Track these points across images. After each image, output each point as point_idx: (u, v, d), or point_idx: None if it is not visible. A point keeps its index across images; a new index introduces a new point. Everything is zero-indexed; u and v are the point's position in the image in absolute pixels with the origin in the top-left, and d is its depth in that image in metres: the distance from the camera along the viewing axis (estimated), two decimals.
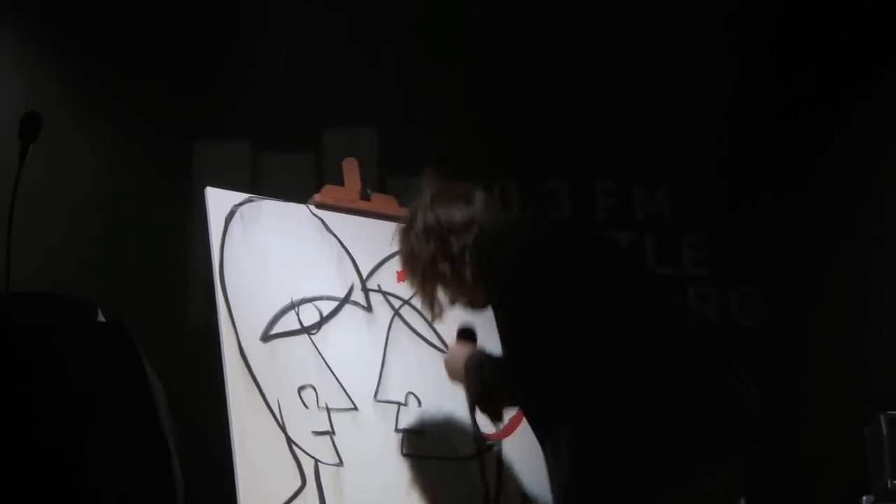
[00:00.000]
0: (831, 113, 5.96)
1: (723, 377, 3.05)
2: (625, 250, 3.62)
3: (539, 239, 3.28)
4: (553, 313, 3.04)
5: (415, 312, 4.10)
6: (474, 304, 3.52)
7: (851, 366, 5.53)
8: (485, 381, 3.33)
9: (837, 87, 5.97)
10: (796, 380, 5.56)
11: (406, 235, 3.55)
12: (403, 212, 3.70)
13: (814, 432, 5.34)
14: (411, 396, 3.95)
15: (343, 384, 3.84)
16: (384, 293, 4.10)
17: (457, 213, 3.45)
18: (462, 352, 3.53)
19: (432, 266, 3.45)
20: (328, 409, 3.78)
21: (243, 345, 3.72)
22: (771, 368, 5.48)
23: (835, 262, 5.79)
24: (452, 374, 3.57)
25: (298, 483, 3.61)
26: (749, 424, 3.01)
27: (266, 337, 3.80)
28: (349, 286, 4.07)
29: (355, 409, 3.83)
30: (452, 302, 3.57)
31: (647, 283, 3.27)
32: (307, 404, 3.75)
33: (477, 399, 3.40)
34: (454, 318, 3.70)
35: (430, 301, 3.56)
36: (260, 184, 5.48)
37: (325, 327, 3.93)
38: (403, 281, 3.87)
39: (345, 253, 4.12)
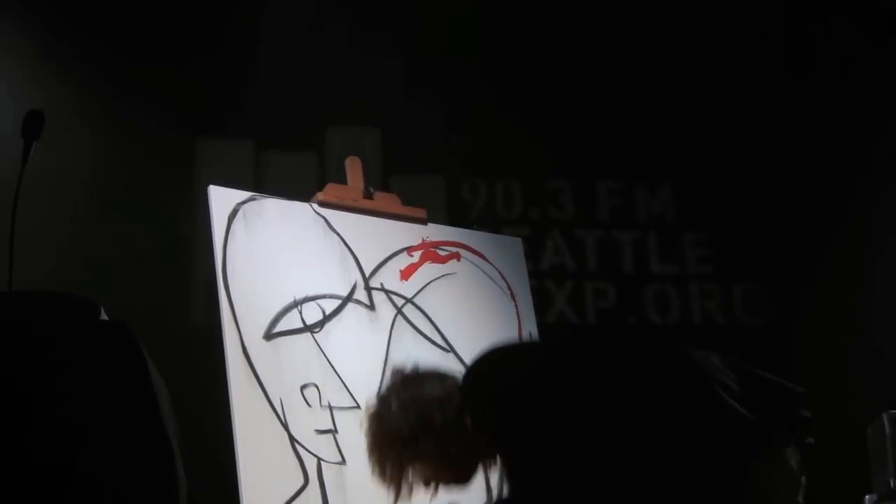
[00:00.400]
0: (834, 111, 5.95)
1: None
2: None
3: (528, 376, 3.15)
4: (567, 439, 3.00)
5: (417, 311, 4.10)
6: (459, 478, 3.25)
7: (854, 364, 5.53)
8: None
9: (839, 85, 5.97)
10: (799, 377, 5.55)
11: (377, 419, 3.22)
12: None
13: (816, 430, 5.33)
14: None
15: (346, 382, 3.85)
16: (387, 292, 4.10)
17: (434, 388, 3.20)
18: None
19: (412, 444, 3.17)
20: (331, 408, 3.78)
21: (246, 343, 3.72)
22: (774, 365, 5.47)
23: (839, 259, 5.79)
24: None
25: (301, 481, 3.62)
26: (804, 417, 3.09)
27: (269, 335, 3.79)
28: (352, 285, 4.07)
29: (358, 407, 3.82)
30: (428, 483, 3.24)
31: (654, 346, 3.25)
32: (310, 402, 3.75)
33: None
34: None
35: (398, 483, 3.21)
36: (263, 182, 5.48)
37: (328, 326, 3.93)
38: (406, 280, 3.88)
39: (348, 251, 4.12)
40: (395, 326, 4.05)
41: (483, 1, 5.92)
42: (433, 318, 4.05)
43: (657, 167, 6.08)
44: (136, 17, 5.53)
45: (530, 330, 4.42)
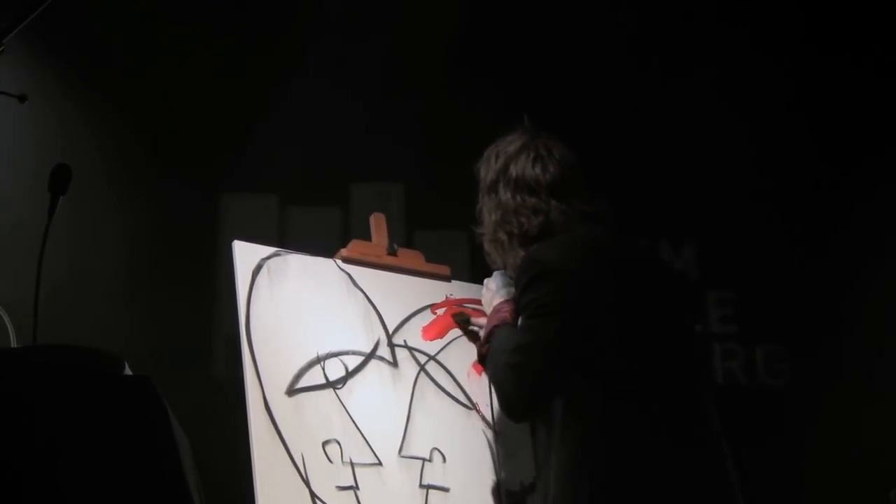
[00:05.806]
0: (858, 173, 5.96)
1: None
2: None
3: (579, 274, 3.38)
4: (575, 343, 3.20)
5: (440, 368, 4.09)
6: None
7: (877, 427, 5.51)
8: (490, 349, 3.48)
9: (864, 150, 5.98)
10: (821, 440, 5.53)
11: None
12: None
13: (839, 493, 5.30)
14: (436, 452, 3.94)
15: (368, 439, 3.83)
16: (410, 349, 4.09)
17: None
18: (500, 305, 3.63)
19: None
20: (352, 464, 3.77)
21: (268, 398, 3.71)
22: (796, 426, 5.46)
23: (862, 323, 5.77)
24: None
25: None
26: None
27: (291, 391, 3.78)
28: (375, 341, 4.06)
29: (380, 464, 3.82)
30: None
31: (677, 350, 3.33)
32: (332, 459, 3.74)
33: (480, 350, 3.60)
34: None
35: None
36: (287, 237, 5.50)
37: (351, 382, 3.92)
38: (431, 340, 3.92)
39: (371, 308, 4.12)
40: (417, 383, 4.03)
41: (504, 59, 5.94)
42: (456, 376, 4.04)
43: (681, 226, 6.08)
44: (161, 77, 5.58)
45: None
